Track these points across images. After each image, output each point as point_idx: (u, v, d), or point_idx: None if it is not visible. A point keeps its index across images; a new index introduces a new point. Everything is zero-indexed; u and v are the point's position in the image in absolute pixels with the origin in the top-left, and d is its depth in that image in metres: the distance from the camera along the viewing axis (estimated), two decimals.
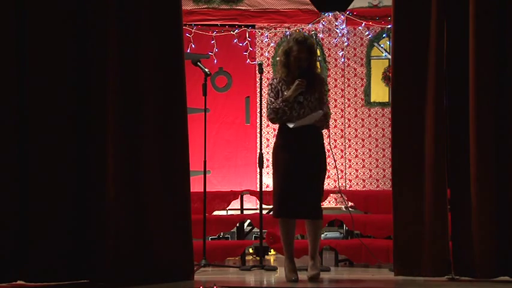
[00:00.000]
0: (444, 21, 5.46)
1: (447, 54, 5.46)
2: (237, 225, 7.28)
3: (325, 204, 8.05)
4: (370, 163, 8.95)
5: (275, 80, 5.51)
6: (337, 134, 8.93)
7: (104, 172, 5.25)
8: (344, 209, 7.00)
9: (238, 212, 7.59)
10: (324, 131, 5.54)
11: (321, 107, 5.43)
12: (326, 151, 5.50)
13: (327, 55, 8.99)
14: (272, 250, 7.55)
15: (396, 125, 5.52)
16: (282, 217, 5.39)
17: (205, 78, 6.37)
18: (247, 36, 9.07)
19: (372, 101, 8.98)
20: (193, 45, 8.93)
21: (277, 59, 5.88)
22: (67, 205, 5.22)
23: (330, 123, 5.91)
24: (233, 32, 9.06)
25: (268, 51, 9.07)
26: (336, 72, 8.99)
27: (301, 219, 5.47)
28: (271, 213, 7.33)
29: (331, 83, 8.96)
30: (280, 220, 5.41)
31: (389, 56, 8.48)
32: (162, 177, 5.37)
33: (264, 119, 8.78)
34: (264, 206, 6.76)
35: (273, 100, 5.42)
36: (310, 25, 8.97)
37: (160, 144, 5.39)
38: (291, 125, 5.35)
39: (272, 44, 9.07)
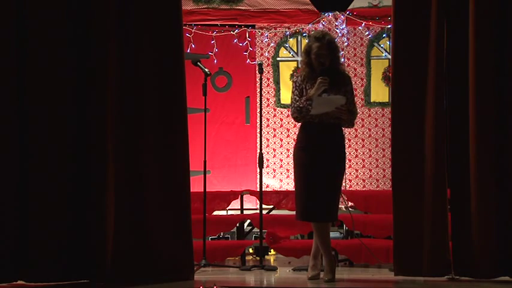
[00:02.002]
0: (444, 21, 5.46)
1: (447, 54, 5.46)
2: (237, 225, 7.28)
3: None
4: (370, 163, 8.96)
5: (299, 78, 5.48)
6: None
7: (104, 173, 5.24)
8: (344, 209, 6.99)
9: (238, 212, 7.58)
10: None
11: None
12: (346, 152, 5.52)
13: None
14: (272, 250, 7.54)
15: (396, 125, 5.52)
16: (306, 220, 5.38)
17: (205, 78, 6.37)
18: (247, 36, 9.08)
19: (372, 101, 8.99)
20: (193, 45, 8.94)
21: (300, 60, 5.87)
22: (67, 205, 5.22)
23: None
24: (233, 32, 9.06)
25: (268, 51, 9.08)
26: None
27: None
28: (271, 212, 7.36)
29: None
30: (313, 223, 5.37)
31: (389, 56, 8.49)
32: (162, 177, 5.37)
33: (264, 119, 8.84)
34: (264, 206, 6.76)
35: (297, 98, 5.39)
36: (310, 25, 8.97)
37: (160, 144, 5.39)
38: (312, 112, 5.28)
39: (272, 44, 9.07)
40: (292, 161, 5.54)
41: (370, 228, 6.85)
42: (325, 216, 5.34)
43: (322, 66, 5.35)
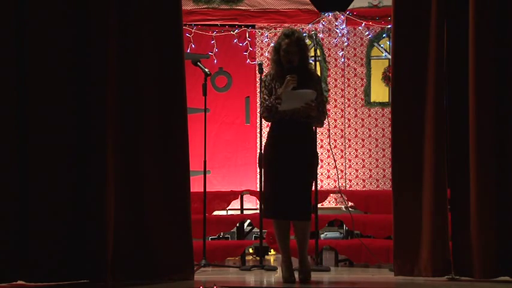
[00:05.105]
0: (444, 21, 5.46)
1: (447, 54, 5.46)
2: (237, 225, 7.29)
3: (325, 204, 8.06)
4: (370, 163, 8.95)
5: (268, 76, 5.38)
6: (337, 134, 8.93)
7: (104, 172, 5.24)
8: (344, 209, 7.01)
9: (238, 212, 7.59)
10: (323, 131, 5.48)
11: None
12: (316, 151, 5.43)
13: (327, 55, 8.99)
14: (272, 250, 7.55)
15: (396, 125, 5.52)
16: (271, 218, 5.33)
17: (205, 78, 6.38)
18: (247, 36, 9.08)
19: (372, 101, 8.99)
20: (193, 45, 8.94)
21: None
22: (67, 205, 5.22)
23: (330, 123, 5.84)
24: (233, 32, 9.07)
25: (268, 51, 9.07)
26: (336, 72, 9.00)
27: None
28: None
29: (331, 83, 8.97)
30: (274, 220, 5.35)
31: (389, 56, 8.49)
32: (162, 177, 5.37)
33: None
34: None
35: (266, 98, 5.30)
36: (310, 25, 8.97)
37: (160, 144, 5.39)
38: (280, 108, 5.19)
39: (272, 44, 9.07)
40: None
41: (370, 228, 6.86)
42: (289, 214, 5.23)
43: (291, 64, 5.27)
